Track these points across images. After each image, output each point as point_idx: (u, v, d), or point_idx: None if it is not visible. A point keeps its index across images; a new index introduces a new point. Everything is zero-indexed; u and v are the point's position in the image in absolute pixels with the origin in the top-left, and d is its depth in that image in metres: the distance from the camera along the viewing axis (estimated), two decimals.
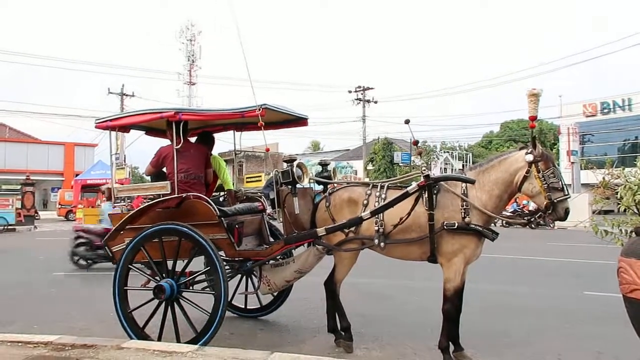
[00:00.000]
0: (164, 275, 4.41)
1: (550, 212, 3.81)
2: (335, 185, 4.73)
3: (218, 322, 4.07)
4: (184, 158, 4.69)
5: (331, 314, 4.60)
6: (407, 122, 4.40)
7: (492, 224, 4.23)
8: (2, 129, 40.54)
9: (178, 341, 4.15)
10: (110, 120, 4.95)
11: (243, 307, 5.67)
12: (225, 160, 6.03)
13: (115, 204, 5.62)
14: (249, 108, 4.39)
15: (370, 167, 41.78)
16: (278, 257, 4.78)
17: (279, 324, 5.40)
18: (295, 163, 4.46)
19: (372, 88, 39.18)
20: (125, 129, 5.22)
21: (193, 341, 4.06)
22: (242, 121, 5.13)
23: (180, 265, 4.45)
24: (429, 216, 3.94)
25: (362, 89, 38.87)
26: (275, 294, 5.33)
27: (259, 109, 4.30)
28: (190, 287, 4.57)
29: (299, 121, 5.26)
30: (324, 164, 5.04)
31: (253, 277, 5.39)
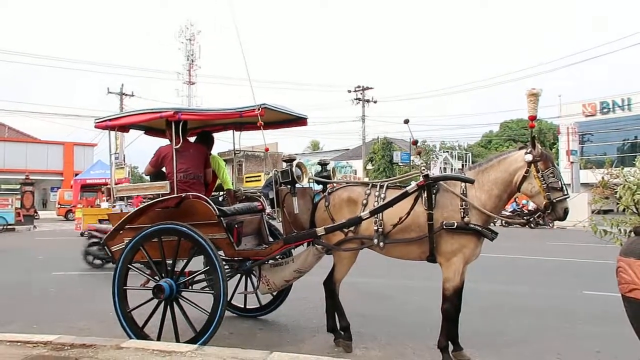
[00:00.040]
0: (163, 275, 4.41)
1: (549, 211, 3.81)
2: (335, 184, 4.73)
3: (217, 321, 4.07)
4: (183, 158, 4.69)
5: (330, 314, 4.60)
6: (406, 121, 4.40)
7: (492, 224, 4.23)
8: (1, 129, 40.51)
9: (177, 341, 4.15)
10: (110, 120, 4.94)
11: (242, 306, 5.67)
12: (225, 160, 6.03)
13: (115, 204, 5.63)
14: (248, 108, 4.39)
15: (369, 166, 41.79)
16: (277, 257, 4.79)
17: (279, 324, 5.40)
18: (294, 163, 4.46)
19: (371, 88, 39.19)
20: (124, 128, 5.21)
21: (192, 341, 4.06)
22: (241, 121, 5.13)
23: (179, 265, 4.45)
24: (428, 216, 3.95)
25: (361, 88, 38.87)
26: (274, 293, 5.33)
27: (258, 109, 4.30)
28: (190, 287, 4.57)
29: (298, 121, 5.26)
30: (323, 164, 5.04)
31: (252, 276, 5.40)
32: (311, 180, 4.89)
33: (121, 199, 5.38)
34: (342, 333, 4.50)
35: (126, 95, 36.50)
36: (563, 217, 3.80)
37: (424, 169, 3.99)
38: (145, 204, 4.71)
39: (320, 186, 4.87)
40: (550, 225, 19.83)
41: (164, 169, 4.89)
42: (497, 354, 4.35)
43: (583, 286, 7.41)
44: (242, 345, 4.29)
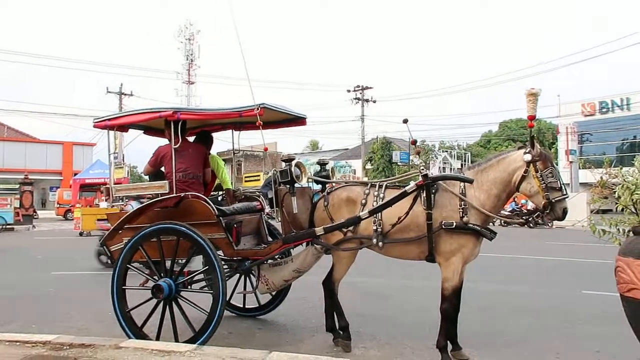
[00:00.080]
0: (162, 274, 4.41)
1: (548, 211, 3.82)
2: (334, 184, 4.74)
3: (216, 321, 4.07)
4: (183, 157, 4.69)
5: (329, 313, 4.60)
6: (405, 121, 4.40)
7: (491, 224, 4.23)
8: (0, 128, 40.47)
9: (176, 340, 4.15)
10: (109, 119, 4.94)
11: (241, 306, 5.67)
12: (224, 160, 6.03)
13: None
14: (248, 107, 4.39)
15: (368, 166, 41.81)
16: (276, 257, 4.79)
17: (278, 323, 5.40)
18: (293, 162, 4.46)
19: (370, 87, 39.23)
20: (123, 128, 5.21)
21: (191, 340, 4.06)
22: (240, 120, 5.13)
23: (178, 265, 4.45)
24: (427, 215, 3.95)
25: (360, 88, 38.89)
26: (273, 293, 5.33)
27: (258, 108, 4.30)
28: (189, 287, 4.57)
29: (297, 120, 5.26)
30: (322, 163, 5.04)
31: (251, 276, 5.40)
32: (310, 180, 4.89)
33: (133, 197, 5.39)
34: (341, 333, 4.50)
35: (125, 94, 36.48)
36: (562, 217, 3.81)
37: (423, 169, 3.99)
38: (145, 203, 4.72)
39: (320, 186, 4.87)
40: (549, 225, 19.84)
41: (163, 169, 4.89)
42: (496, 353, 4.35)
43: (582, 286, 7.41)
44: (241, 344, 4.29)
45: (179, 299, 4.38)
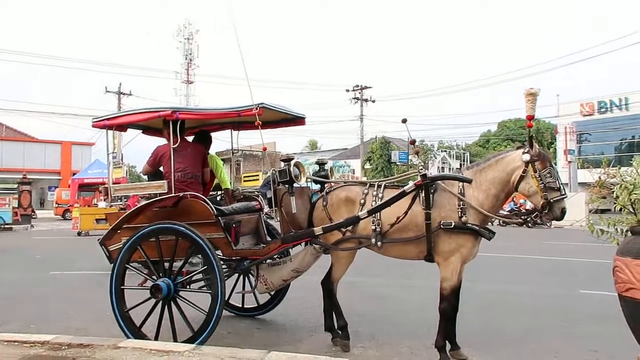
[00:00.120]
0: (160, 274, 4.41)
1: (546, 211, 3.82)
2: (333, 184, 4.74)
3: (215, 321, 4.07)
4: (181, 157, 4.69)
5: (328, 313, 4.60)
6: (404, 121, 4.41)
7: (489, 223, 4.24)
8: None
9: (175, 340, 4.15)
10: (108, 119, 4.93)
11: (240, 306, 5.67)
12: (223, 159, 6.02)
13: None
14: (246, 107, 4.39)
15: (367, 166, 41.84)
16: (275, 256, 4.78)
17: (276, 323, 5.40)
18: (292, 162, 4.46)
19: (370, 87, 39.26)
20: (122, 128, 5.20)
21: (190, 340, 4.06)
22: (239, 120, 5.13)
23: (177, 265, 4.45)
24: (426, 215, 3.95)
25: (359, 88, 38.91)
26: (272, 293, 5.33)
27: (256, 108, 4.30)
28: (187, 286, 4.57)
29: (296, 120, 5.25)
30: (321, 163, 5.04)
31: (250, 276, 5.40)
32: (309, 180, 4.89)
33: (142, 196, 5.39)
34: (340, 332, 4.50)
35: (124, 94, 36.46)
36: (560, 217, 3.81)
37: (421, 169, 4.00)
38: (143, 203, 4.71)
39: (318, 186, 4.87)
40: (548, 224, 19.86)
41: (161, 169, 4.89)
42: (495, 353, 4.35)
43: (580, 285, 7.43)
44: (240, 344, 4.29)
45: (177, 299, 4.38)
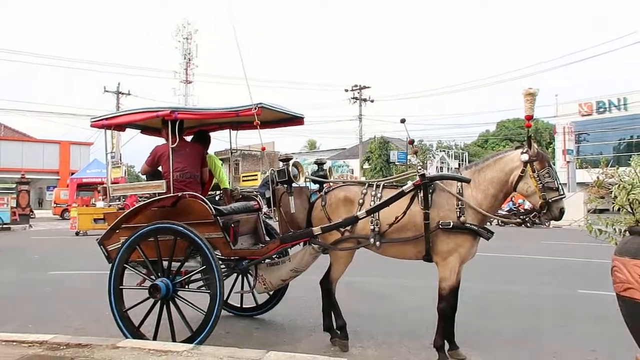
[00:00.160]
0: (159, 274, 4.41)
1: (545, 211, 3.83)
2: (331, 184, 4.74)
3: (214, 321, 4.07)
4: (180, 157, 4.68)
5: (327, 313, 4.60)
6: (402, 121, 4.41)
7: (488, 223, 4.24)
8: None
9: (174, 340, 4.14)
10: (106, 118, 4.93)
11: (239, 306, 5.67)
12: (221, 159, 6.02)
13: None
14: (245, 107, 4.38)
15: (366, 166, 41.88)
16: (274, 256, 4.78)
17: (275, 323, 5.40)
18: (291, 162, 4.46)
19: (368, 87, 39.27)
20: (120, 127, 5.20)
21: (189, 340, 4.05)
22: (238, 120, 5.13)
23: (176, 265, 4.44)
24: (425, 215, 3.95)
25: (358, 87, 38.91)
26: (271, 292, 5.33)
27: (255, 108, 4.29)
28: (186, 286, 4.57)
29: (295, 120, 5.25)
30: (320, 163, 5.04)
31: (249, 276, 5.39)
32: (308, 180, 4.89)
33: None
34: (339, 332, 4.51)
35: (123, 94, 36.45)
36: (559, 217, 3.82)
37: (420, 169, 4.00)
38: (142, 203, 4.71)
39: (317, 185, 4.87)
40: (546, 224, 19.89)
41: (160, 168, 4.88)
42: (493, 353, 4.36)
43: (579, 285, 7.43)
44: (239, 344, 4.29)
45: (176, 299, 4.37)
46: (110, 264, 4.52)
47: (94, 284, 7.55)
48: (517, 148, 4.05)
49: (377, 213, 4.13)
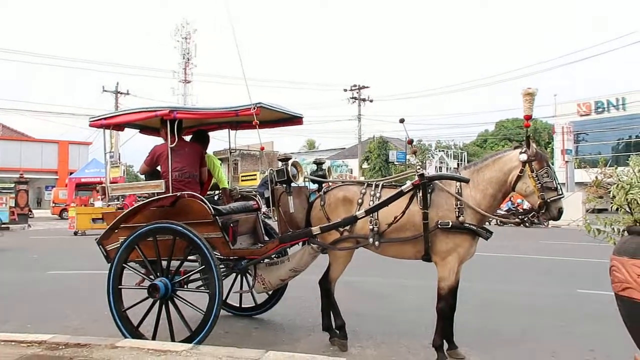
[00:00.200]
0: (158, 274, 4.40)
1: (543, 211, 3.83)
2: (330, 184, 4.74)
3: (212, 320, 4.06)
4: (179, 157, 4.68)
5: (326, 313, 4.60)
6: (401, 121, 4.41)
7: (487, 223, 4.25)
8: None
9: (172, 340, 4.14)
10: (105, 118, 4.93)
11: (238, 305, 5.67)
12: (220, 159, 6.02)
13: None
14: (244, 106, 4.38)
15: (365, 165, 41.87)
16: (273, 256, 4.78)
17: (274, 323, 5.40)
18: (290, 162, 4.46)
19: (367, 87, 39.27)
20: (119, 127, 5.19)
21: (188, 340, 4.05)
22: (237, 120, 5.12)
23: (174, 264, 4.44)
24: (424, 215, 3.95)
25: (357, 87, 38.90)
26: (270, 292, 5.33)
27: (254, 108, 4.29)
28: (185, 286, 4.56)
29: (294, 120, 5.25)
30: (319, 163, 5.04)
31: (248, 275, 5.39)
32: (307, 180, 4.89)
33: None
34: (338, 332, 4.50)
35: (121, 93, 36.41)
36: (557, 217, 3.82)
37: (419, 168, 4.00)
38: (141, 202, 4.71)
39: (316, 185, 4.87)
40: (545, 224, 19.93)
41: (159, 168, 4.88)
42: (492, 352, 4.36)
43: (577, 285, 7.44)
44: (238, 344, 4.29)
45: (175, 299, 4.37)
46: (109, 264, 4.52)
47: (93, 283, 7.54)
48: (515, 148, 4.05)
49: (376, 213, 4.14)
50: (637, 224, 3.08)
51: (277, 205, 4.49)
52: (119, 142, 29.88)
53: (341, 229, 4.30)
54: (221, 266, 4.63)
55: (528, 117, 3.95)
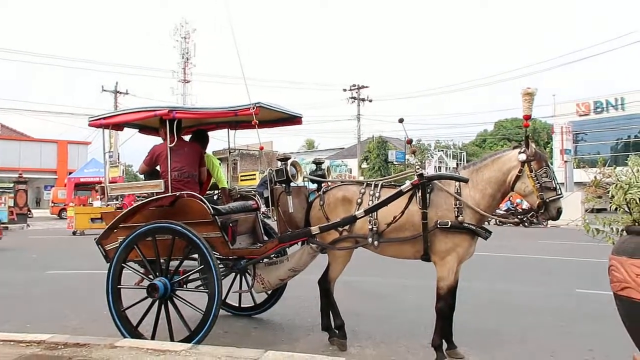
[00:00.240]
0: (157, 273, 4.40)
1: (542, 211, 3.83)
2: (330, 183, 4.74)
3: (212, 320, 4.06)
4: (178, 156, 4.68)
5: (325, 312, 4.60)
6: (400, 120, 4.41)
7: (486, 223, 4.25)
8: None
9: (172, 340, 4.14)
10: (104, 118, 4.93)
11: (237, 305, 5.67)
12: (220, 159, 6.02)
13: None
14: (243, 106, 4.38)
15: (364, 165, 41.86)
16: (272, 256, 4.79)
17: (273, 323, 5.40)
18: (289, 161, 4.46)
19: (367, 87, 39.23)
20: (118, 127, 5.19)
21: (187, 340, 4.05)
22: (236, 119, 5.12)
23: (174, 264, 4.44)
24: (423, 215, 3.96)
25: (357, 87, 38.89)
26: (269, 292, 5.33)
27: (253, 107, 4.29)
28: (184, 286, 4.56)
29: (293, 119, 5.26)
30: (318, 163, 5.04)
31: (247, 275, 5.39)
32: (306, 179, 4.89)
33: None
34: (337, 332, 4.51)
35: (121, 93, 36.38)
36: (556, 217, 3.83)
37: (418, 168, 4.00)
38: (140, 202, 4.70)
39: (315, 185, 4.87)
40: (544, 224, 19.94)
41: (158, 168, 4.88)
42: (491, 352, 4.37)
43: (576, 285, 7.45)
44: (237, 344, 4.29)
45: (174, 298, 4.37)
46: (108, 264, 4.52)
47: (92, 283, 7.54)
48: (514, 148, 4.05)
49: (375, 212, 4.14)
50: (636, 224, 3.09)
51: (277, 205, 4.50)
52: (118, 142, 29.88)
53: (340, 229, 4.31)
54: (220, 266, 4.63)
55: (527, 117, 3.95)
